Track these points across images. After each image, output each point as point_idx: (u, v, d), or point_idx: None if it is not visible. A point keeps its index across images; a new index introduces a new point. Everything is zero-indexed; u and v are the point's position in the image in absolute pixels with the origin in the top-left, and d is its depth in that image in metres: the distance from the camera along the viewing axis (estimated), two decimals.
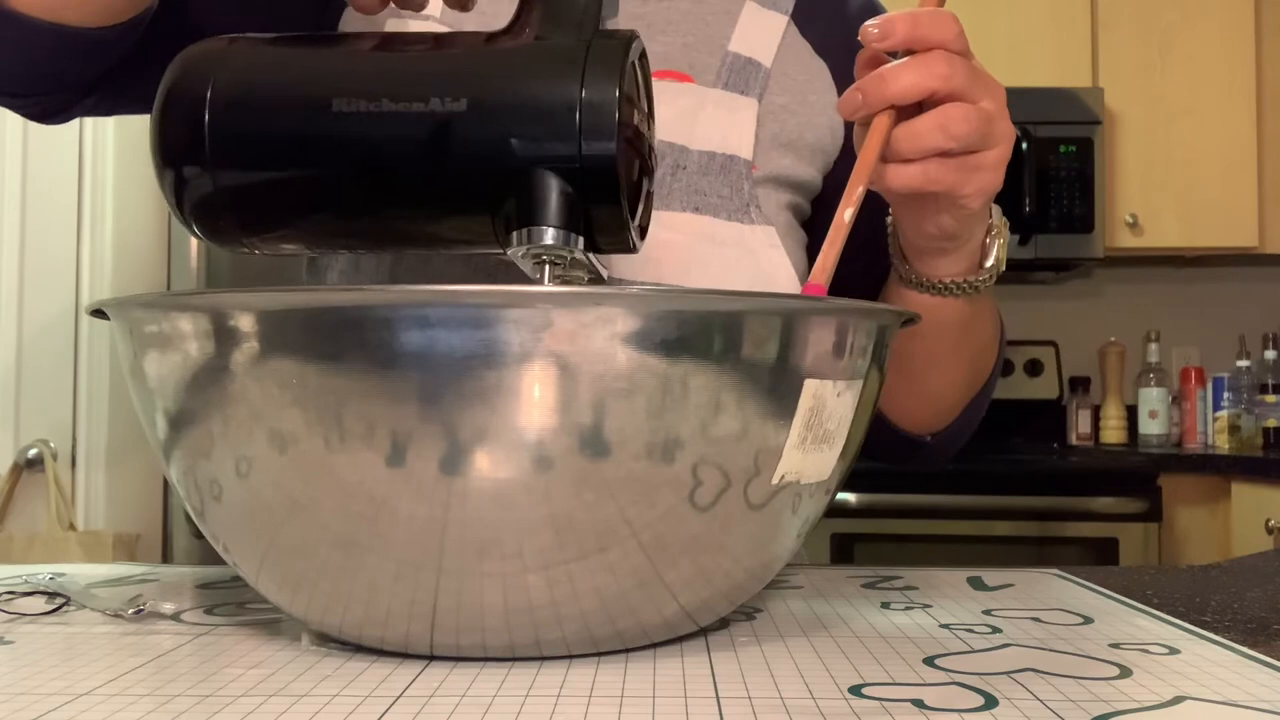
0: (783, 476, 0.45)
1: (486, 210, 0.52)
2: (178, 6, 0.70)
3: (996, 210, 0.67)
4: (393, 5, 0.56)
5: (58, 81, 0.70)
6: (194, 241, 2.13)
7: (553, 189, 0.50)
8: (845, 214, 0.55)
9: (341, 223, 0.55)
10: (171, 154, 0.53)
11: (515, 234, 0.51)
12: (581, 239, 0.51)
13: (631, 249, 0.54)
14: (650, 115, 0.58)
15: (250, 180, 0.53)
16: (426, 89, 0.50)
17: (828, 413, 0.46)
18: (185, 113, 0.52)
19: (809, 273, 0.53)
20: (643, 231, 0.57)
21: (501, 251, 0.53)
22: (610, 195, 0.51)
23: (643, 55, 0.56)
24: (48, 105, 0.73)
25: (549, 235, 0.50)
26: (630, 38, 0.52)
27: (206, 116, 0.52)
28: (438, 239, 0.56)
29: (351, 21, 0.76)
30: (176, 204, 0.54)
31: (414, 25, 0.72)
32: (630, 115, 0.52)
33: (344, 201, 0.54)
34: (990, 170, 0.59)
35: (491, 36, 0.53)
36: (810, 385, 0.44)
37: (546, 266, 0.52)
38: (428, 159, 0.51)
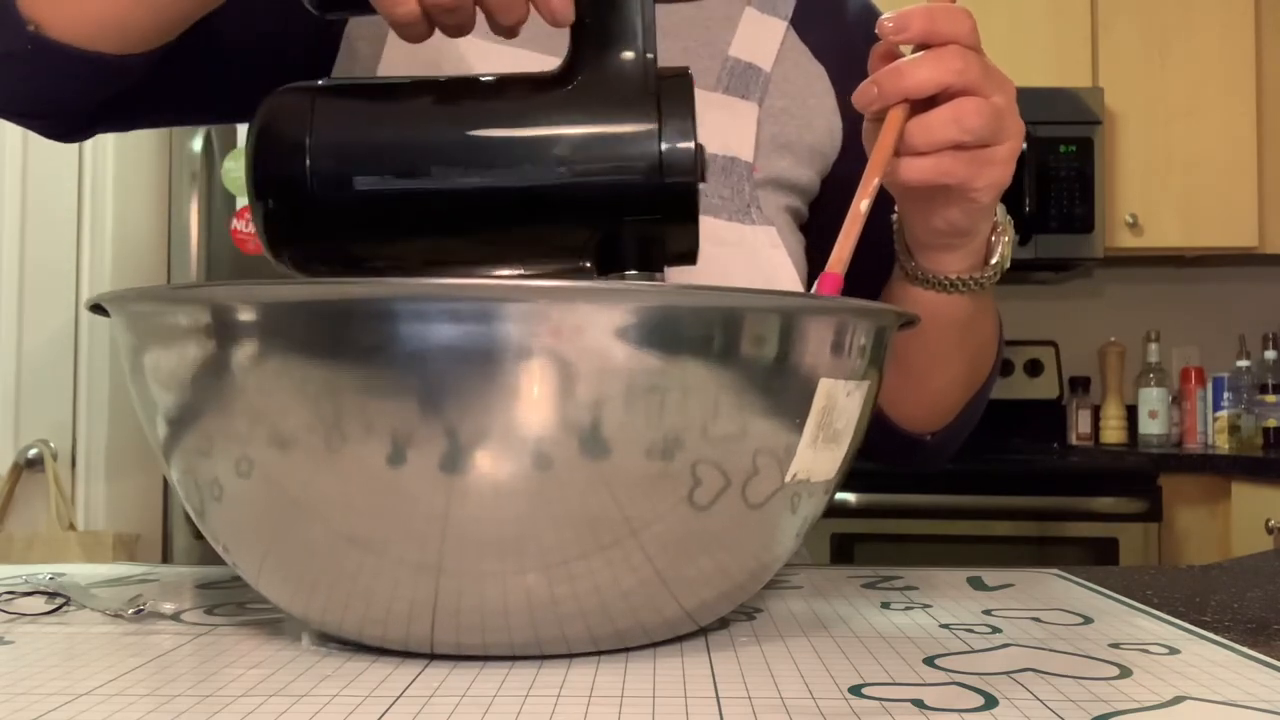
0: (794, 475, 0.45)
1: (577, 250, 0.56)
2: (199, 23, 0.70)
3: (1001, 208, 0.68)
4: (439, 32, 0.56)
5: (83, 104, 0.70)
6: (194, 243, 2.13)
7: (636, 240, 0.54)
8: (861, 205, 0.55)
9: (432, 258, 0.58)
10: (269, 190, 0.55)
11: (600, 279, 0.56)
12: (658, 274, 0.56)
13: (694, 261, 0.58)
14: None
15: (346, 226, 0.55)
16: (522, 151, 0.54)
17: (838, 412, 0.46)
18: (285, 156, 0.54)
19: (809, 274, 0.53)
20: None
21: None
22: (688, 224, 0.55)
23: None
24: (69, 125, 0.73)
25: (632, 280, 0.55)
26: (688, 75, 0.56)
27: (308, 162, 0.54)
28: (524, 269, 0.60)
29: (361, 24, 0.76)
30: (270, 241, 0.56)
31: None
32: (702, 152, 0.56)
33: (436, 245, 0.57)
34: (1001, 164, 0.60)
35: (561, 78, 0.55)
36: (824, 385, 0.44)
37: None
38: (520, 212, 0.55)
